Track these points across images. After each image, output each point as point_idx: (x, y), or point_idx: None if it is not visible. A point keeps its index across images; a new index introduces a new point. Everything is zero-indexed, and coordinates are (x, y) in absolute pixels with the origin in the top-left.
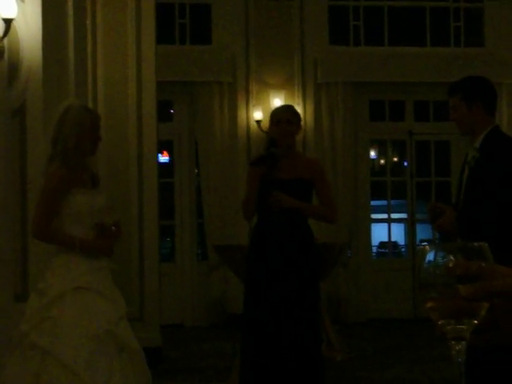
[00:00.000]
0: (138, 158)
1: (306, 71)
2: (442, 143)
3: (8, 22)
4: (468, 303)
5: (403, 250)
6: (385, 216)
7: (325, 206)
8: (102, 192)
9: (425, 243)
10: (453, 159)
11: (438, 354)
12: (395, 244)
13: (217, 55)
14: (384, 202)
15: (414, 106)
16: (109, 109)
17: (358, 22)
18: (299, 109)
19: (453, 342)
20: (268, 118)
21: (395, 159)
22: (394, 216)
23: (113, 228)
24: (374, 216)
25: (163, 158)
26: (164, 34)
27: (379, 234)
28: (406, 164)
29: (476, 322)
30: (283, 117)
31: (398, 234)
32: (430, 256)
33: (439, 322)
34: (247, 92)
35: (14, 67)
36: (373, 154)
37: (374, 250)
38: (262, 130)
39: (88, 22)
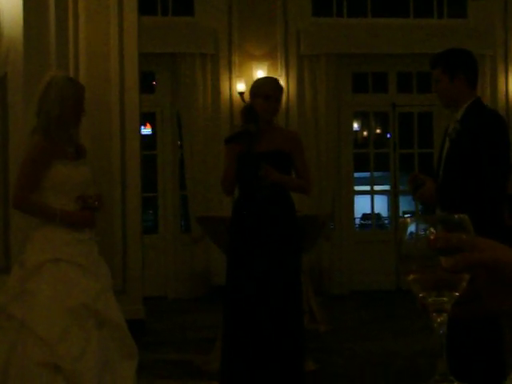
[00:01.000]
0: (120, 130)
1: (288, 43)
2: (424, 115)
3: None
4: (449, 275)
5: (386, 221)
6: (368, 188)
7: (302, 179)
8: (85, 164)
9: (407, 215)
10: (435, 131)
11: (420, 325)
12: (378, 216)
13: (199, 27)
14: (367, 174)
15: (397, 78)
16: (91, 81)
17: None
18: (282, 81)
19: (434, 314)
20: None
21: (378, 131)
22: (377, 188)
23: (94, 202)
24: (357, 188)
25: (146, 130)
26: (146, 6)
27: (362, 205)
28: (388, 136)
29: (457, 293)
30: (273, 94)
31: (381, 205)
32: (412, 228)
33: (420, 295)
34: (230, 64)
35: None
36: (356, 126)
37: (357, 221)
38: (244, 101)
39: None
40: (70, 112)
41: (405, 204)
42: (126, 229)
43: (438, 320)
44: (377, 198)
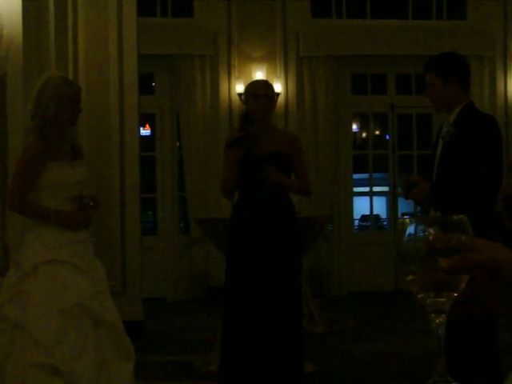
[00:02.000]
0: (119, 132)
1: (288, 44)
2: (423, 116)
3: None
4: (448, 276)
5: (385, 223)
6: (367, 189)
7: (301, 180)
8: (82, 164)
9: (406, 216)
10: (434, 132)
11: (419, 326)
12: (377, 217)
13: (199, 28)
14: (366, 176)
15: (396, 79)
16: (90, 82)
17: None
18: (281, 82)
19: (433, 315)
20: None
21: (377, 132)
22: (376, 189)
23: (89, 202)
24: (355, 189)
25: (145, 131)
26: (145, 7)
27: (361, 207)
28: (387, 137)
29: (456, 294)
30: (261, 91)
31: (380, 207)
32: (410, 229)
33: (419, 296)
34: (229, 65)
35: None
36: (355, 127)
37: (356, 223)
38: (243, 103)
39: None
40: (65, 112)
41: (404, 205)
42: (124, 230)
43: (437, 321)
44: (376, 199)
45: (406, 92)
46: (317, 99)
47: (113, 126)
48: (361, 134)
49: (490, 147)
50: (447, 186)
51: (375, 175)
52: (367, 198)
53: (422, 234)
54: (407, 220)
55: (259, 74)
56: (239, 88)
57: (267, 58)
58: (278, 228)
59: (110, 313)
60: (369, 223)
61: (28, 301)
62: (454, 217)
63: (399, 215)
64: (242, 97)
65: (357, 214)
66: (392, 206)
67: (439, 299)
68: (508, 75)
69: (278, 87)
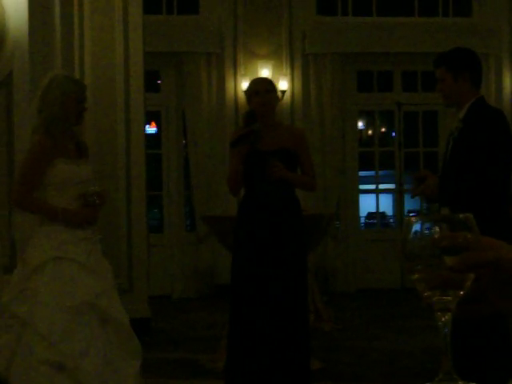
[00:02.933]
0: (125, 129)
1: (293, 42)
2: (429, 114)
3: None
4: (454, 274)
5: (391, 220)
6: (373, 187)
7: (308, 175)
8: (87, 162)
9: (412, 214)
10: (440, 130)
11: (425, 323)
12: (383, 214)
13: (204, 25)
14: (372, 173)
15: (402, 77)
16: (96, 80)
17: None
18: (287, 80)
19: (439, 313)
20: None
21: (383, 130)
22: (382, 186)
23: (95, 199)
24: (362, 187)
25: (151, 128)
26: (151, 4)
27: (367, 204)
28: (393, 134)
29: (462, 293)
30: (262, 87)
31: (386, 204)
32: (416, 227)
33: (425, 294)
34: (235, 62)
35: None
36: (361, 124)
37: (362, 220)
38: (247, 102)
39: None
40: (71, 110)
41: (410, 203)
42: (131, 227)
43: (443, 319)
44: (382, 196)
45: (412, 89)
46: (323, 96)
47: (119, 124)
48: (367, 132)
49: (498, 142)
50: (455, 181)
51: (381, 172)
52: (373, 196)
53: (427, 232)
54: (413, 218)
55: (265, 72)
56: (245, 85)
57: (273, 56)
58: (284, 225)
59: (117, 311)
60: (375, 220)
61: (35, 298)
62: (461, 215)
63: (405, 212)
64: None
65: (363, 212)
66: (398, 204)
67: (445, 297)
68: None
69: (283, 85)
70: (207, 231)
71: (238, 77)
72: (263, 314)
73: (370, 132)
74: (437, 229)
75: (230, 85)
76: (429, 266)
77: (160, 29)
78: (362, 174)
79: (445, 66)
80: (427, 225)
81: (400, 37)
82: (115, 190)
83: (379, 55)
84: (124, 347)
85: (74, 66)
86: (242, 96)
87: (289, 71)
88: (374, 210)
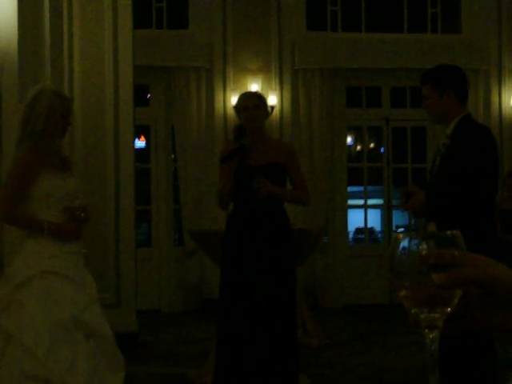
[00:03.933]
0: (114, 143)
1: (283, 57)
2: (418, 129)
3: None
4: (441, 291)
5: (380, 235)
6: (361, 202)
7: (298, 190)
8: (72, 175)
9: (401, 229)
10: (429, 146)
11: (413, 339)
12: (372, 230)
13: (194, 40)
14: (360, 188)
15: (391, 93)
16: (85, 94)
17: (336, 8)
18: (276, 94)
19: (426, 331)
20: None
21: (372, 145)
22: (371, 202)
23: (80, 213)
24: (350, 202)
25: (140, 142)
26: (141, 18)
27: (356, 219)
28: (382, 150)
29: (449, 309)
30: (250, 102)
31: (375, 219)
32: (404, 244)
33: (412, 311)
34: (224, 77)
35: None
36: (349, 140)
37: (351, 235)
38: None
39: (64, 5)
40: (55, 125)
41: (398, 218)
42: (119, 242)
43: (431, 336)
44: (370, 212)
45: (401, 105)
46: (312, 111)
47: (108, 138)
48: (355, 147)
49: (486, 159)
50: (442, 197)
51: (370, 188)
52: (362, 211)
53: (415, 249)
54: (400, 235)
55: (254, 86)
56: (234, 100)
57: (262, 70)
58: (273, 240)
59: (101, 324)
60: (363, 236)
61: (21, 311)
62: (448, 232)
63: (394, 228)
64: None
65: (351, 227)
66: (386, 219)
67: (433, 314)
68: (502, 89)
69: (273, 99)
70: (195, 246)
71: (228, 91)
72: (251, 329)
73: (358, 147)
74: (424, 245)
75: (219, 99)
76: (416, 283)
77: (150, 43)
78: (350, 189)
79: (430, 84)
80: (415, 241)
81: (389, 53)
82: (104, 204)
83: (368, 71)
84: (107, 361)
85: (63, 79)
86: (231, 110)
87: (278, 86)
88: (362, 225)
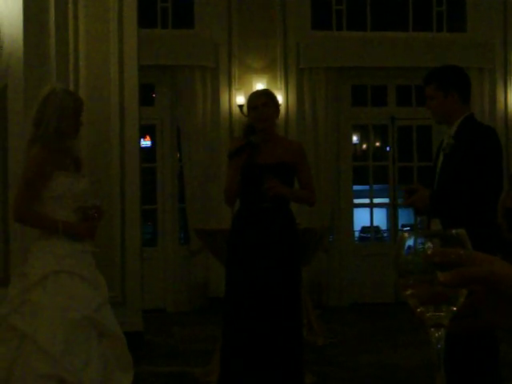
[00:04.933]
0: (119, 143)
1: (288, 56)
2: (424, 128)
3: None
4: (447, 290)
5: (385, 234)
6: (367, 201)
7: (306, 190)
8: (84, 176)
9: (406, 228)
10: (434, 144)
11: (419, 338)
12: (377, 229)
13: (199, 39)
14: (366, 187)
15: (396, 91)
16: (91, 93)
17: (341, 7)
18: (281, 94)
19: (432, 329)
20: None
21: (377, 144)
22: (376, 201)
23: (94, 213)
24: (356, 201)
25: (145, 142)
26: (146, 18)
27: (361, 218)
28: (388, 149)
29: (455, 308)
30: (259, 101)
31: (380, 218)
32: (409, 243)
33: (418, 310)
34: (229, 76)
35: None
36: (355, 138)
37: (357, 234)
38: (244, 114)
39: (70, 6)
40: (68, 124)
41: (404, 217)
42: (125, 241)
43: (436, 335)
44: (376, 210)
45: (407, 104)
46: (317, 111)
47: (113, 137)
48: (361, 146)
49: (490, 159)
50: (447, 196)
51: (375, 187)
52: (367, 210)
53: (420, 248)
54: (406, 234)
55: (260, 86)
56: (240, 99)
57: (268, 70)
58: (278, 238)
59: (113, 324)
60: (369, 235)
61: (36, 311)
62: (453, 231)
63: (399, 227)
64: (243, 108)
65: (357, 226)
66: (392, 218)
67: (438, 313)
68: (508, 87)
69: (278, 98)
70: (201, 245)
71: (233, 90)
72: (256, 328)
73: (364, 146)
74: (430, 244)
75: (224, 98)
76: (422, 282)
77: (155, 42)
78: (356, 188)
79: (435, 85)
80: (420, 240)
81: (394, 51)
82: (109, 204)
83: (373, 70)
84: (118, 360)
85: (68, 79)
86: (236, 109)
87: (283, 85)
88: (368, 224)
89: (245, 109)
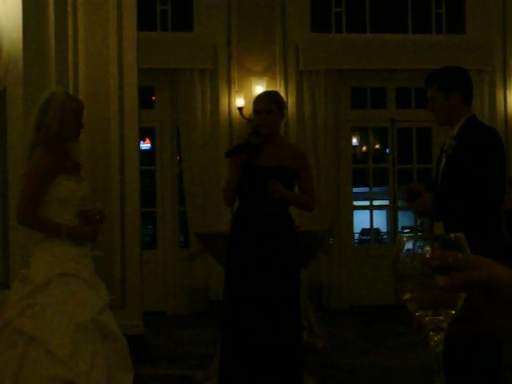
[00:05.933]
0: (119, 145)
1: (287, 58)
2: (423, 130)
3: None
4: (445, 294)
5: (385, 236)
6: (367, 203)
7: (306, 195)
8: (85, 179)
9: (406, 230)
10: (434, 146)
11: (419, 340)
12: (377, 231)
13: (199, 42)
14: (366, 189)
15: (396, 93)
16: (90, 96)
17: (340, 9)
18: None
19: (431, 333)
20: (250, 105)
21: (377, 146)
22: (376, 203)
23: (96, 216)
24: (356, 203)
25: (145, 145)
26: (145, 21)
27: (361, 220)
28: (387, 151)
29: (453, 312)
30: (262, 106)
31: (380, 220)
32: (408, 247)
33: (417, 313)
34: (229, 79)
35: None
36: (355, 141)
37: (356, 236)
38: (243, 117)
39: (69, 9)
40: (69, 127)
41: (404, 219)
42: (125, 244)
43: (435, 339)
44: (376, 213)
45: (406, 106)
46: (316, 113)
47: (113, 140)
48: (361, 148)
49: (492, 160)
50: (450, 198)
51: (375, 189)
52: (367, 212)
53: (419, 252)
54: (405, 237)
55: (259, 88)
56: (239, 102)
57: (267, 72)
58: (278, 241)
59: (115, 326)
60: (369, 237)
61: (42, 314)
62: (452, 234)
63: (399, 229)
64: (246, 108)
65: (357, 228)
66: (392, 220)
67: (437, 317)
68: (507, 89)
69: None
70: (201, 248)
71: (232, 93)
72: (256, 330)
73: (363, 148)
74: (428, 248)
75: (223, 101)
76: (420, 286)
77: (154, 45)
78: (355, 190)
79: (436, 86)
80: (419, 244)
81: (394, 53)
82: (109, 206)
83: (373, 72)
84: (119, 362)
85: (67, 82)
86: (235, 112)
87: (283, 88)
88: (367, 226)
89: (244, 111)
